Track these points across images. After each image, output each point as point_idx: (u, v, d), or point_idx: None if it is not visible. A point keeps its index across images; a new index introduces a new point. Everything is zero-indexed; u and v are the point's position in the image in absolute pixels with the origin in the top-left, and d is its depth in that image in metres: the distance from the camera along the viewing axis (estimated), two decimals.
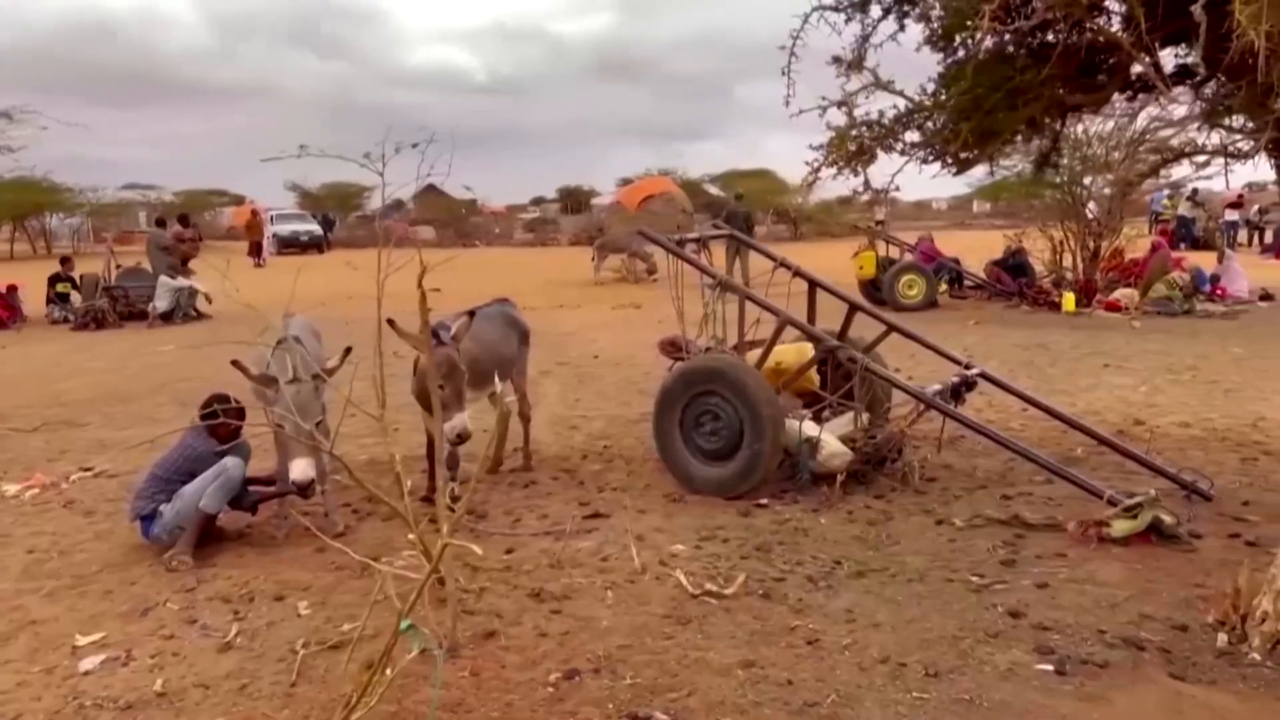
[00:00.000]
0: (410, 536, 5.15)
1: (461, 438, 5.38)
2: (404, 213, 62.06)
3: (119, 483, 6.54)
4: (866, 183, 4.23)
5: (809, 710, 3.46)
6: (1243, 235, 28.52)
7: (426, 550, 4.44)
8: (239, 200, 56.35)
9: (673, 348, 6.60)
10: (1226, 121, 4.00)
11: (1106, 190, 16.77)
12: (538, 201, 67.44)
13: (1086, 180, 16.43)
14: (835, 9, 4.56)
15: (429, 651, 3.48)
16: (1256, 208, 29.03)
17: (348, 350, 5.14)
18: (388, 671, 3.06)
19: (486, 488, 6.16)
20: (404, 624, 3.19)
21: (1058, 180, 16.32)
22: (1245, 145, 3.78)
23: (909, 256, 16.66)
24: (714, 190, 51.22)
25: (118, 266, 16.81)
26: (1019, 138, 4.58)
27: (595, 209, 53.56)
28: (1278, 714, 3.37)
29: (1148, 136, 15.48)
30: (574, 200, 62.64)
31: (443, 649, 3.65)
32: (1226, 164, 3.90)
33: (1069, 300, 15.06)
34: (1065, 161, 14.63)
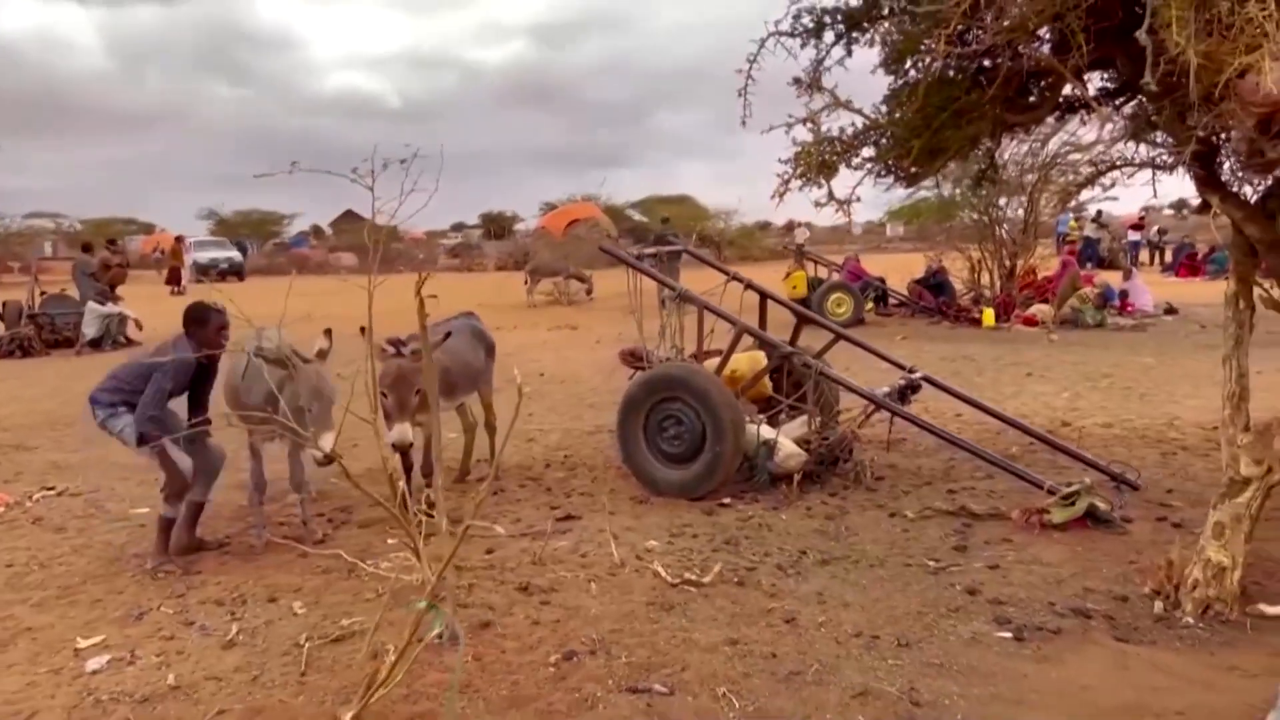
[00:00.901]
0: (391, 541, 5.39)
1: (398, 447, 5.53)
2: (324, 238, 61.54)
3: (85, 501, 6.56)
4: (830, 194, 4.58)
5: (795, 678, 3.74)
6: (1144, 255, 29.96)
7: (418, 552, 4.65)
8: (148, 228, 55.24)
9: (633, 357, 6.86)
10: (1151, 137, 4.44)
11: (1020, 211, 17.61)
12: (458, 227, 67.32)
13: (1001, 202, 17.24)
14: (791, 35, 4.92)
15: (440, 638, 3.72)
16: (1156, 228, 30.58)
17: (328, 331, 5.27)
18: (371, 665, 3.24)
19: (457, 495, 6.33)
20: (422, 604, 3.40)
21: (975, 201, 17.16)
22: (1170, 159, 4.23)
23: (836, 276, 17.26)
24: (636, 216, 51.78)
25: (42, 293, 16.48)
26: (961, 155, 4.97)
27: (519, 234, 53.71)
28: (1212, 666, 3.76)
29: (1058, 160, 16.34)
30: (497, 225, 62.72)
31: (443, 636, 3.85)
32: (1154, 175, 4.34)
33: (988, 316, 15.77)
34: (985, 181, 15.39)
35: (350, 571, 4.94)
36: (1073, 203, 23.08)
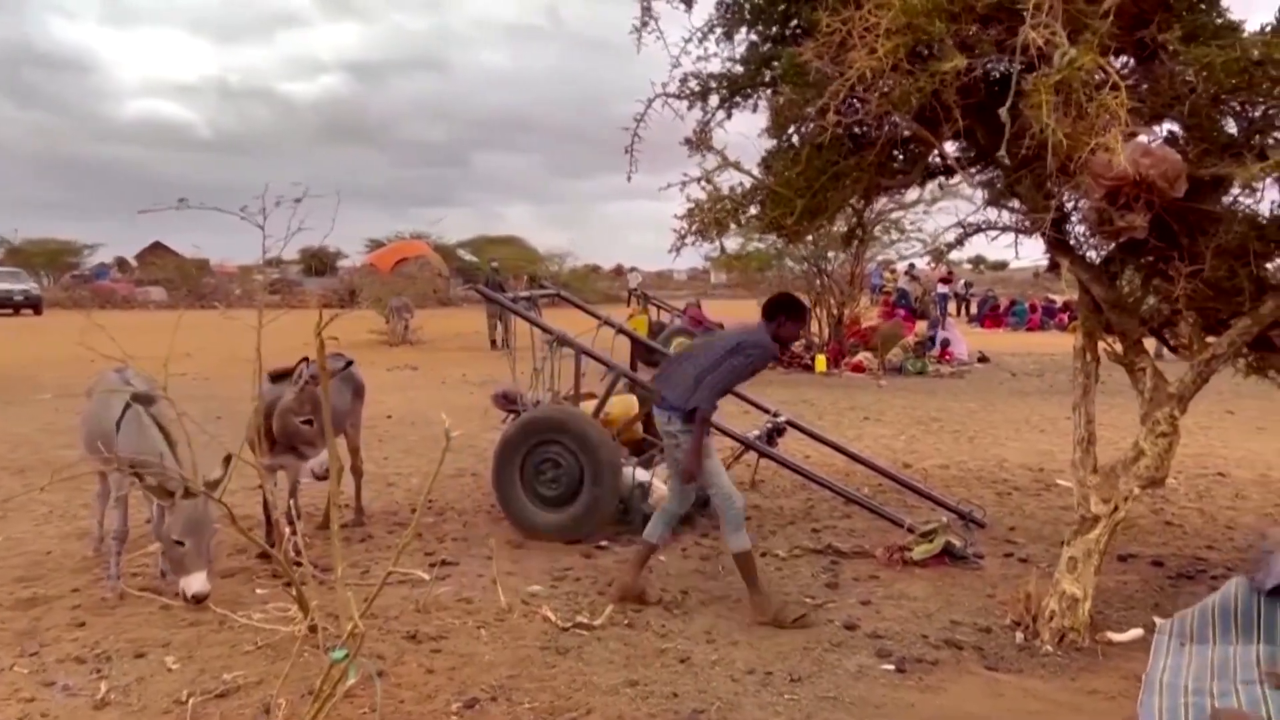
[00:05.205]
0: (260, 591, 5.21)
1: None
2: (130, 271, 58.18)
3: None
4: (722, 249, 4.79)
5: (699, 716, 3.83)
6: (952, 306, 32.06)
7: (303, 601, 4.51)
8: None
9: (506, 401, 6.87)
10: (1007, 204, 4.86)
11: (846, 265, 18.61)
12: (274, 262, 64.91)
13: (830, 255, 18.16)
14: (678, 97, 5.13)
15: (348, 677, 3.62)
16: (963, 282, 32.81)
17: (229, 458, 5.00)
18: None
19: (322, 542, 6.15)
20: (339, 652, 3.33)
21: (804, 253, 18.01)
22: (1029, 224, 4.63)
23: (678, 321, 17.69)
24: (467, 256, 51.43)
25: None
26: (837, 214, 5.28)
27: (342, 271, 52.32)
28: (1075, 691, 4.09)
29: (881, 216, 17.30)
30: (318, 261, 60.88)
31: (346, 677, 3.75)
32: (1016, 239, 4.75)
33: (820, 362, 16.52)
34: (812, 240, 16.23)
35: (221, 623, 4.73)
36: (881, 257, 24.58)
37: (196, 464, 4.83)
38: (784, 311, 4.97)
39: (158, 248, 58.48)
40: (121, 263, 62.42)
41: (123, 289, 47.82)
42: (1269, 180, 3.98)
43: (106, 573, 5.37)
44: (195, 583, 4.81)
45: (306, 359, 5.51)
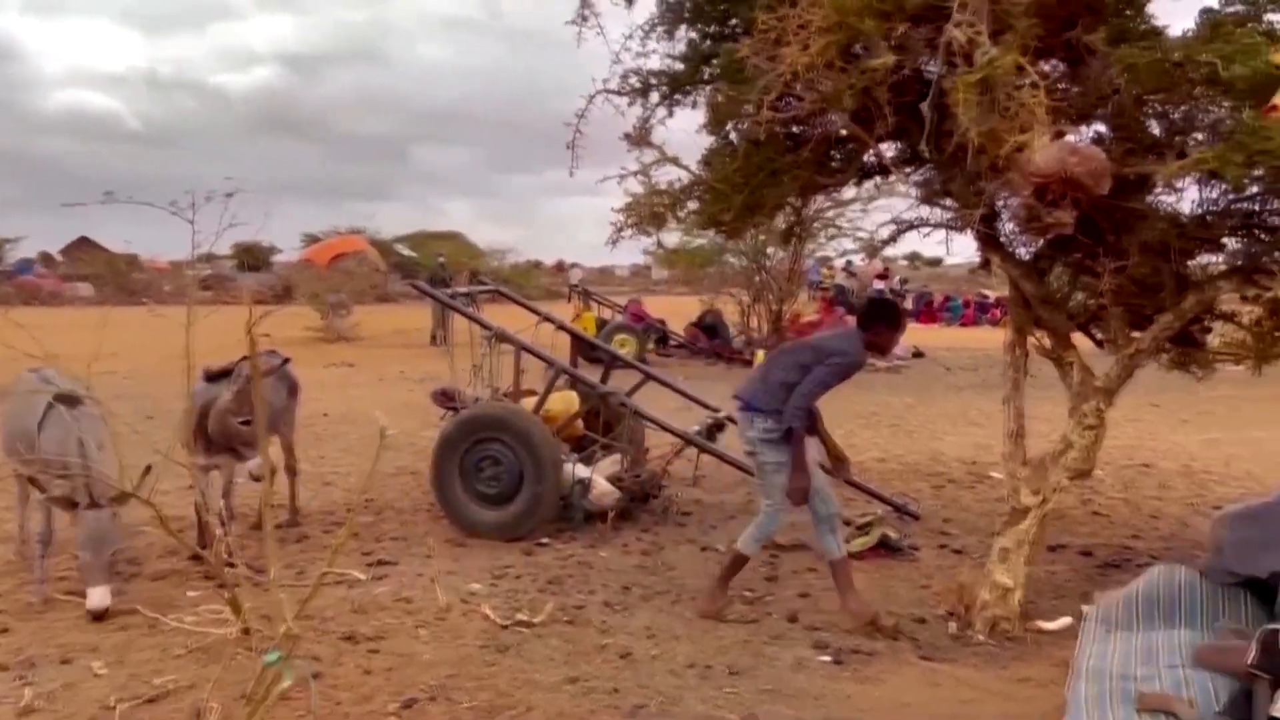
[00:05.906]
0: (192, 594, 5.11)
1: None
2: (55, 267, 56.57)
3: None
4: (659, 242, 4.81)
5: (640, 712, 3.85)
6: None
7: (235, 603, 4.43)
8: None
9: (445, 398, 6.82)
10: (941, 201, 4.94)
11: (785, 262, 18.76)
12: (207, 258, 63.65)
13: (769, 251, 18.30)
14: (619, 93, 5.14)
15: (283, 680, 3.56)
16: (898, 278, 33.24)
17: (148, 468, 4.89)
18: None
19: (256, 543, 6.04)
20: (273, 655, 3.28)
21: (744, 249, 18.14)
22: (959, 221, 4.72)
23: (619, 318, 17.72)
24: (406, 251, 50.86)
25: None
26: (775, 211, 5.33)
27: (277, 266, 51.47)
28: (1007, 679, 4.19)
29: (819, 215, 17.43)
30: (252, 257, 59.79)
31: (281, 680, 3.70)
32: (948, 235, 4.84)
33: (760, 357, 16.60)
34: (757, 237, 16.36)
35: (151, 626, 4.63)
36: (820, 254, 24.86)
37: (123, 466, 4.71)
38: (883, 320, 4.86)
39: (84, 242, 56.97)
40: (46, 258, 60.66)
41: (50, 285, 46.48)
42: (1189, 179, 4.10)
43: (31, 576, 5.23)
44: (93, 598, 4.72)
45: (247, 357, 5.41)
